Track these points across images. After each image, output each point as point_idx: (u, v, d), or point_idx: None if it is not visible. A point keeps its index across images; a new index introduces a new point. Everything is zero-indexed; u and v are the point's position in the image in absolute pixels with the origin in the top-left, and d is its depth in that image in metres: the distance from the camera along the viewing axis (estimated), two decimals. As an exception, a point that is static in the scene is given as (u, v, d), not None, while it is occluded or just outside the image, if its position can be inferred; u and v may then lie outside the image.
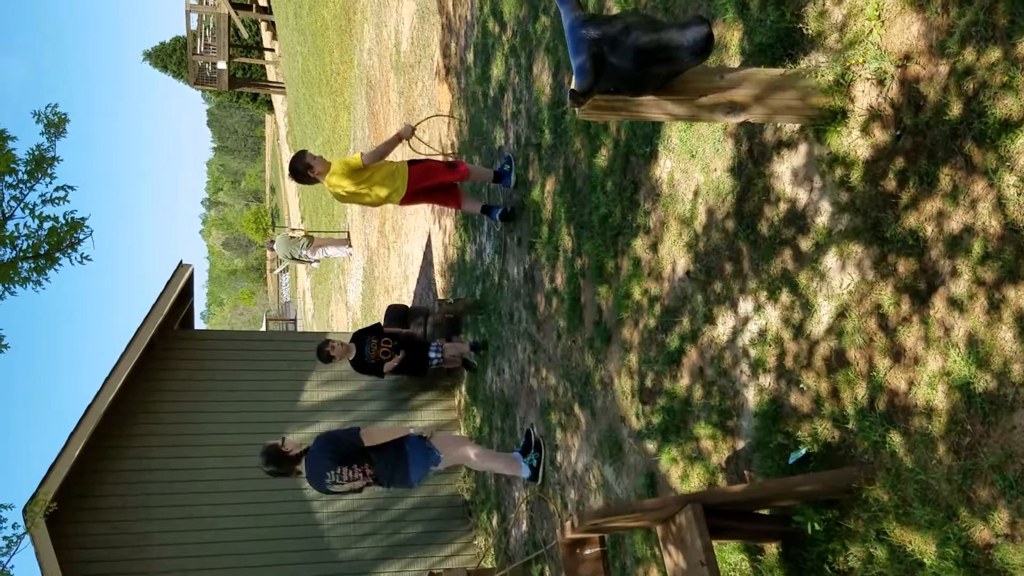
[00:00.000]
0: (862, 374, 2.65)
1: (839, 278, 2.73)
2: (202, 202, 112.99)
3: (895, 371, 2.52)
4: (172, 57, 46.88)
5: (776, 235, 2.98)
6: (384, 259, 13.09)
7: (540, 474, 5.56)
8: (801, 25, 2.71)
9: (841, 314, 2.74)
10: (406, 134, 5.97)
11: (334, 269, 20.45)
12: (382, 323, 7.83)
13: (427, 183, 6.02)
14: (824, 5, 2.61)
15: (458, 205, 6.41)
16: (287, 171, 6.25)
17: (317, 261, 13.99)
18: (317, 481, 4.98)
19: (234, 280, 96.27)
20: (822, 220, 2.78)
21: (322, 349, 6.89)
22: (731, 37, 3.08)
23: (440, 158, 7.10)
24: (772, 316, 3.06)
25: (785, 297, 2.98)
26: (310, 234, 13.60)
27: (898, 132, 2.41)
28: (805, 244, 2.86)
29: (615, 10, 4.14)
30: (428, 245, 9.80)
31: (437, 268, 9.30)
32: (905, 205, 2.43)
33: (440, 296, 8.94)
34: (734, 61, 3.10)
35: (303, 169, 5.82)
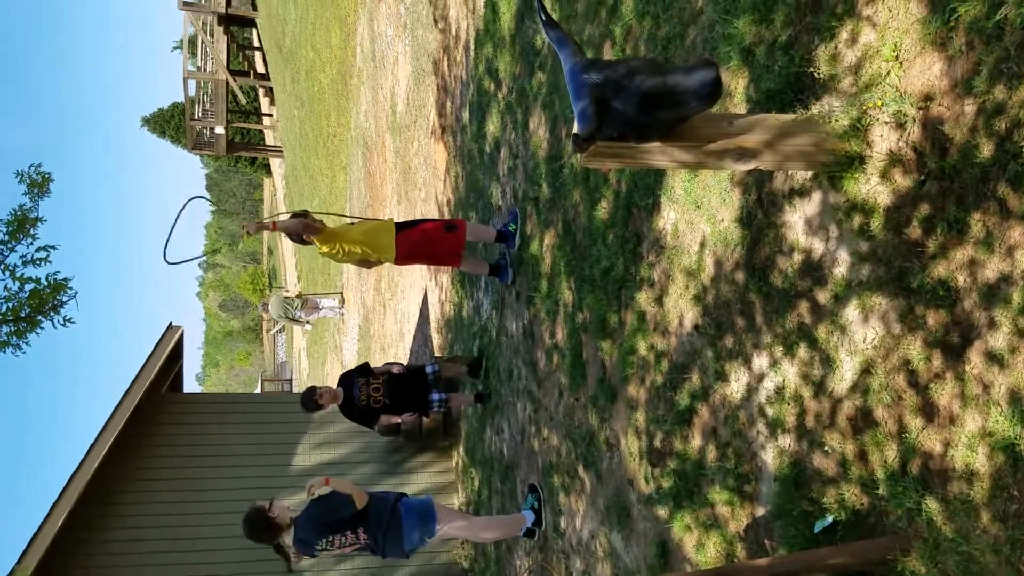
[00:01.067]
0: (892, 435, 2.46)
1: (862, 332, 2.57)
2: (199, 264, 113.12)
3: (929, 432, 2.34)
4: (170, 123, 47.44)
5: (791, 287, 2.83)
6: (380, 317, 12.93)
7: (543, 519, 5.27)
8: (812, 69, 2.60)
9: (866, 370, 2.56)
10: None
11: (329, 328, 20.26)
12: (370, 363, 7.22)
13: (425, 251, 5.82)
14: (836, 48, 2.51)
15: (457, 263, 6.07)
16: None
17: (310, 322, 13.87)
18: (306, 548, 4.68)
19: (230, 341, 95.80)
20: (841, 271, 2.63)
21: (309, 398, 6.23)
22: (736, 85, 2.98)
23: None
24: (790, 373, 2.88)
25: (803, 352, 2.81)
26: (304, 295, 13.51)
27: (922, 177, 2.28)
28: (823, 296, 2.70)
29: (612, 57, 4.06)
30: (424, 302, 9.65)
31: (434, 325, 9.13)
32: (933, 254, 2.28)
33: (436, 354, 8.76)
34: (740, 109, 2.99)
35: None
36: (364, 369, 6.56)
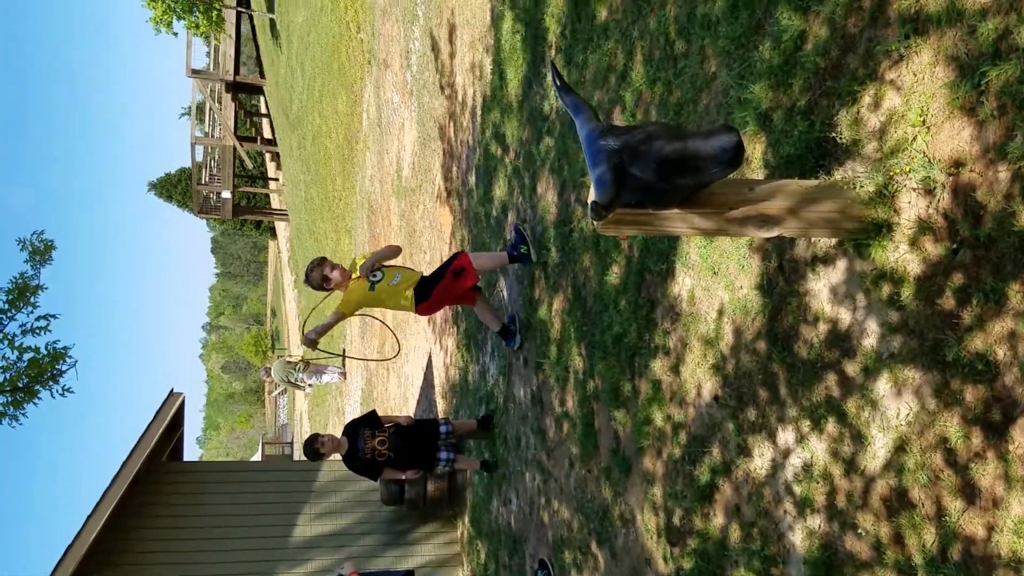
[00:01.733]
0: (929, 517, 2.31)
1: (894, 407, 2.44)
2: (203, 326, 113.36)
3: (970, 515, 2.19)
4: (177, 187, 48.06)
5: (817, 358, 2.71)
6: (383, 380, 12.77)
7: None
8: (833, 134, 2.53)
9: (900, 448, 2.43)
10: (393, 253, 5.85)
11: (332, 391, 20.05)
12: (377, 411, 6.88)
13: (445, 303, 5.79)
14: (859, 113, 2.45)
15: (472, 302, 5.92)
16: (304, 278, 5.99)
17: (311, 386, 13.83)
18: None
19: (232, 404, 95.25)
20: (870, 342, 2.51)
21: (310, 446, 6.08)
22: (754, 150, 2.92)
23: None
24: (818, 449, 2.74)
25: (832, 427, 2.67)
26: (306, 359, 13.47)
27: (954, 245, 2.18)
28: (852, 368, 2.58)
29: (621, 123, 4.03)
30: (429, 365, 9.51)
31: (438, 389, 8.97)
32: (968, 326, 2.17)
33: (441, 417, 8.58)
34: (758, 174, 2.92)
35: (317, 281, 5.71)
36: (370, 419, 6.37)
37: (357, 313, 5.78)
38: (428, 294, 5.58)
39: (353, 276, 5.73)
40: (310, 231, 22.38)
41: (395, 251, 5.93)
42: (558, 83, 2.43)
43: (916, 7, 2.27)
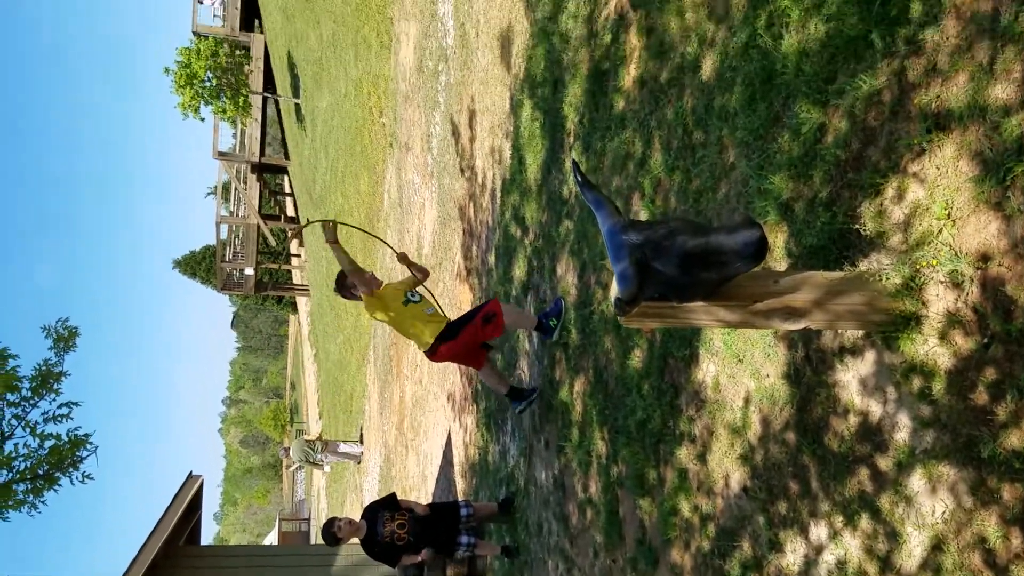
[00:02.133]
0: (975, 622, 2.21)
1: (930, 504, 2.37)
2: (223, 400, 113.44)
3: (1018, 620, 2.09)
4: (201, 264, 48.89)
5: (849, 452, 2.65)
6: (402, 458, 12.62)
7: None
8: (857, 225, 2.53)
9: (936, 546, 2.34)
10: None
11: (350, 467, 19.83)
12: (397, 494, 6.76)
13: (465, 349, 5.55)
14: (882, 205, 2.45)
15: (479, 366, 5.70)
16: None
17: (330, 464, 13.98)
18: None
19: (250, 478, 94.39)
20: (902, 436, 2.45)
21: (327, 530, 5.97)
22: (776, 239, 2.92)
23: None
24: (852, 545, 2.65)
25: (866, 523, 2.59)
26: (323, 438, 13.75)
27: (985, 340, 2.15)
28: (884, 463, 2.52)
29: (643, 215, 4.06)
30: (448, 444, 9.40)
31: (457, 468, 8.84)
32: (1003, 422, 2.11)
33: (461, 498, 8.43)
34: (781, 264, 2.91)
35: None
36: (390, 502, 6.25)
37: (377, 317, 5.66)
38: (455, 333, 5.42)
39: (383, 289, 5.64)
40: (331, 306, 22.55)
41: (427, 274, 5.93)
42: (579, 179, 2.46)
43: (937, 103, 2.30)
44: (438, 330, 5.45)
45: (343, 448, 14.52)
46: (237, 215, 26.33)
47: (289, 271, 35.22)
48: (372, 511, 6.16)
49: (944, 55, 2.32)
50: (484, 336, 5.45)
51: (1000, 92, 2.14)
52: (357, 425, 17.07)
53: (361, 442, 15.50)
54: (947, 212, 2.22)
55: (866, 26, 2.57)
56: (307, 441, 13.54)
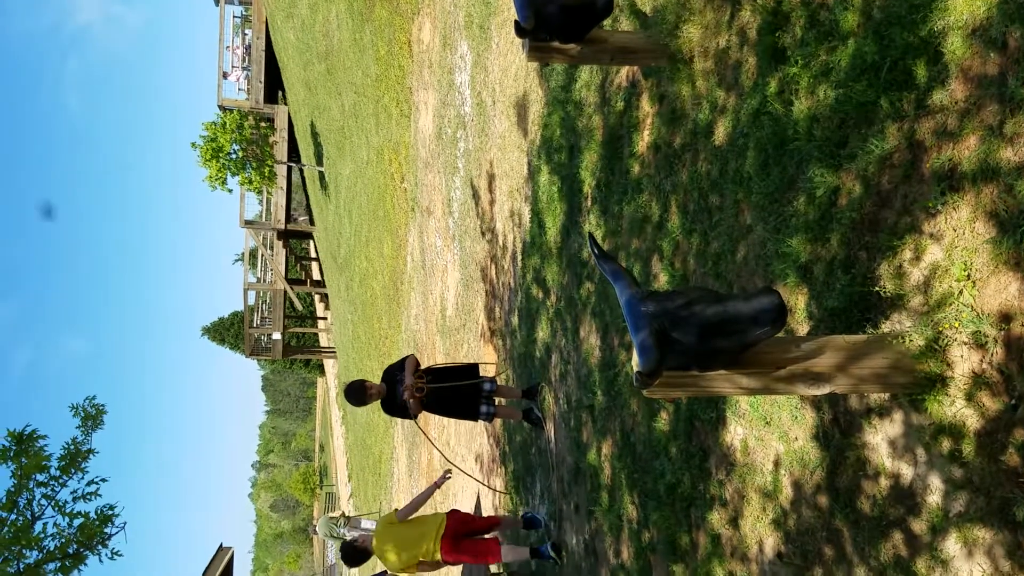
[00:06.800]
0: None
1: (967, 568, 2.31)
2: (252, 465, 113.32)
3: None
4: (229, 331, 49.42)
5: (882, 515, 2.60)
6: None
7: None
8: (877, 287, 2.54)
9: (979, 613, 2.28)
10: (440, 483, 6.12)
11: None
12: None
13: (467, 528, 6.01)
14: (901, 266, 2.45)
15: (497, 558, 6.04)
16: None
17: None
18: None
19: (281, 543, 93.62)
20: (934, 499, 2.41)
21: (360, 390, 5.90)
22: (796, 302, 2.93)
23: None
24: (892, 613, 2.58)
25: (904, 590, 2.53)
26: (346, 515, 15.20)
27: (1013, 401, 2.13)
28: (918, 527, 2.47)
29: (662, 277, 4.08)
30: (477, 507, 9.30)
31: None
32: (1039, 484, 2.08)
33: (493, 570, 8.29)
34: (802, 327, 2.91)
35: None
36: (408, 363, 6.12)
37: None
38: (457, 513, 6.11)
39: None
40: (357, 369, 22.62)
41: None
42: (596, 251, 2.49)
43: (950, 165, 2.32)
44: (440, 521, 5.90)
45: (364, 524, 15.64)
46: (264, 281, 26.71)
47: (316, 334, 35.49)
48: (391, 374, 6.08)
49: (954, 118, 2.35)
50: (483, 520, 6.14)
51: (1011, 154, 2.16)
52: (387, 488, 17.06)
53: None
54: (966, 273, 2.22)
55: (875, 91, 2.62)
56: (331, 518, 14.90)
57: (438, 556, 5.79)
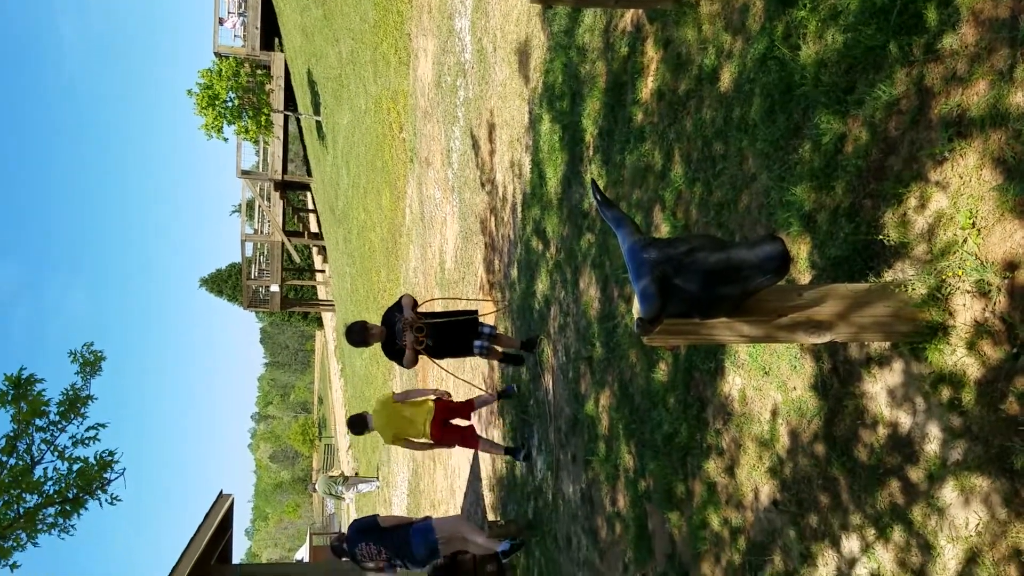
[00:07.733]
0: (1013, 636, 2.17)
1: (963, 516, 2.33)
2: (252, 416, 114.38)
3: (1059, 635, 2.05)
4: (227, 282, 49.41)
5: (878, 464, 2.62)
6: (430, 472, 12.64)
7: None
8: (881, 236, 2.51)
9: (971, 559, 2.30)
10: (439, 393, 6.78)
11: (378, 481, 19.93)
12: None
13: (453, 415, 6.75)
14: (906, 214, 2.43)
15: (475, 445, 6.86)
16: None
17: (351, 498, 16.24)
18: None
19: (280, 493, 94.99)
20: (932, 448, 2.42)
21: (362, 330, 6.17)
22: (799, 251, 2.90)
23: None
24: (884, 558, 2.62)
25: (898, 536, 2.56)
26: (344, 475, 15.96)
27: (1015, 349, 2.12)
28: (915, 475, 2.48)
29: (664, 227, 4.05)
30: (475, 458, 9.41)
31: (485, 483, 8.84)
32: (1037, 432, 2.08)
33: (491, 517, 8.42)
34: (805, 276, 2.90)
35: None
36: (407, 304, 6.29)
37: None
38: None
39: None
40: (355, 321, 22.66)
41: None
42: (599, 198, 2.46)
43: (958, 111, 2.28)
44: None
45: (362, 486, 16.39)
46: (261, 233, 26.61)
47: (314, 287, 35.49)
48: (390, 316, 6.26)
49: (963, 63, 2.30)
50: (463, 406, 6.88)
51: (1021, 99, 2.11)
52: (378, 463, 17.59)
53: (378, 478, 16.90)
54: (971, 221, 2.20)
55: (884, 35, 2.56)
56: (331, 477, 15.71)
57: (427, 437, 6.56)
